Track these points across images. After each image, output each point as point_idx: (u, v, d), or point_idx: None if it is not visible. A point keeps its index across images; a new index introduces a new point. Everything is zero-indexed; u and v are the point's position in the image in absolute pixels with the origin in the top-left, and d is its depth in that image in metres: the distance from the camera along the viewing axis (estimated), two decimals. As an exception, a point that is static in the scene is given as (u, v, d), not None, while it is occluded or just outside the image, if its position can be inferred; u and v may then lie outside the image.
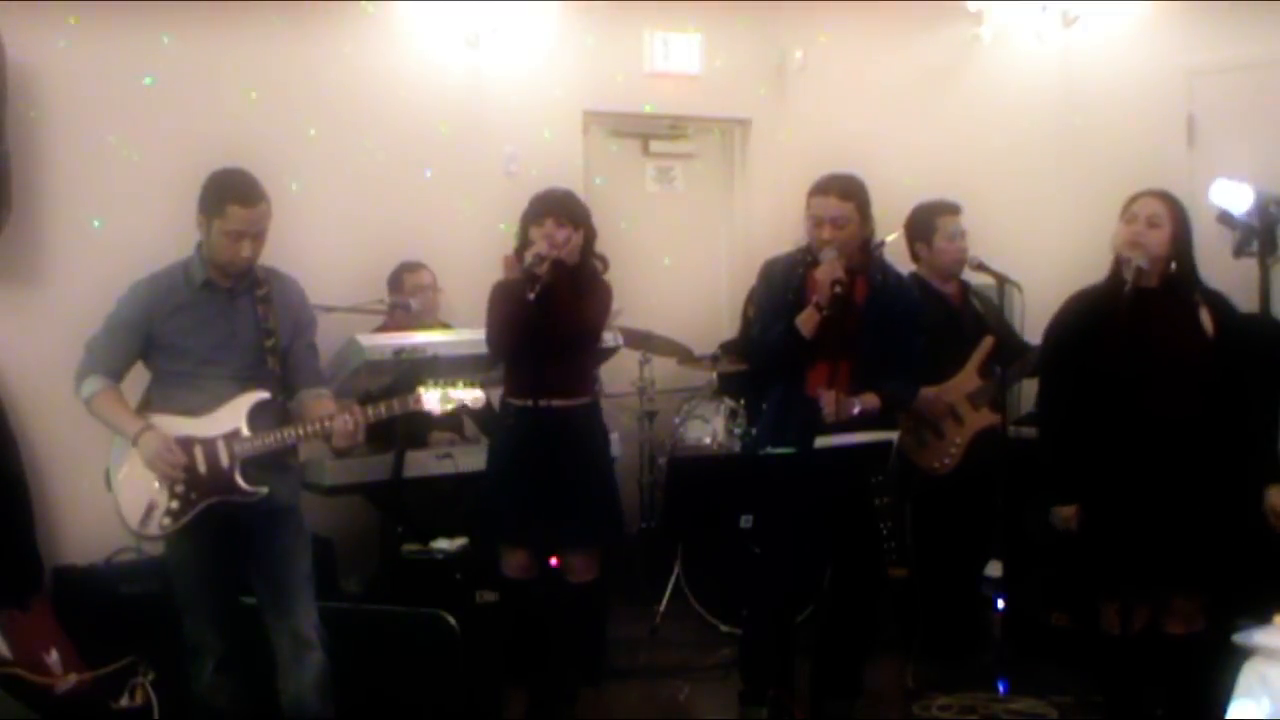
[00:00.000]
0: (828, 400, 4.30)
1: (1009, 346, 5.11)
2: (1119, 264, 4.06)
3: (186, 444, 3.83)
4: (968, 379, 5.05)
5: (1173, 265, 4.05)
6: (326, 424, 3.85)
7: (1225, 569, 4.01)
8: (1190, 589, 4.06)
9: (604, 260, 4.63)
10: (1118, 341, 4.00)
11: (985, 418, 5.02)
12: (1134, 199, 4.12)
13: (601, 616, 4.98)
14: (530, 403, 4.49)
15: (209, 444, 3.84)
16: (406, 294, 5.68)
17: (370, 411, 3.90)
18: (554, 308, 4.39)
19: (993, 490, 5.00)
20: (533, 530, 4.52)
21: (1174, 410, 4.00)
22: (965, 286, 5.25)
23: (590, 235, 4.55)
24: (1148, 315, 4.03)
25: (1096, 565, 4.16)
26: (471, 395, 4.01)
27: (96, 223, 5.38)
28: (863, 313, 4.40)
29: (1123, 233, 4.08)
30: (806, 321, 4.30)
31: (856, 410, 4.31)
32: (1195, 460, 3.99)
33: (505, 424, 4.61)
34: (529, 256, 4.37)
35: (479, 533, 4.95)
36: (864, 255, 4.47)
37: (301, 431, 3.89)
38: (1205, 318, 4.05)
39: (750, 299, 6.31)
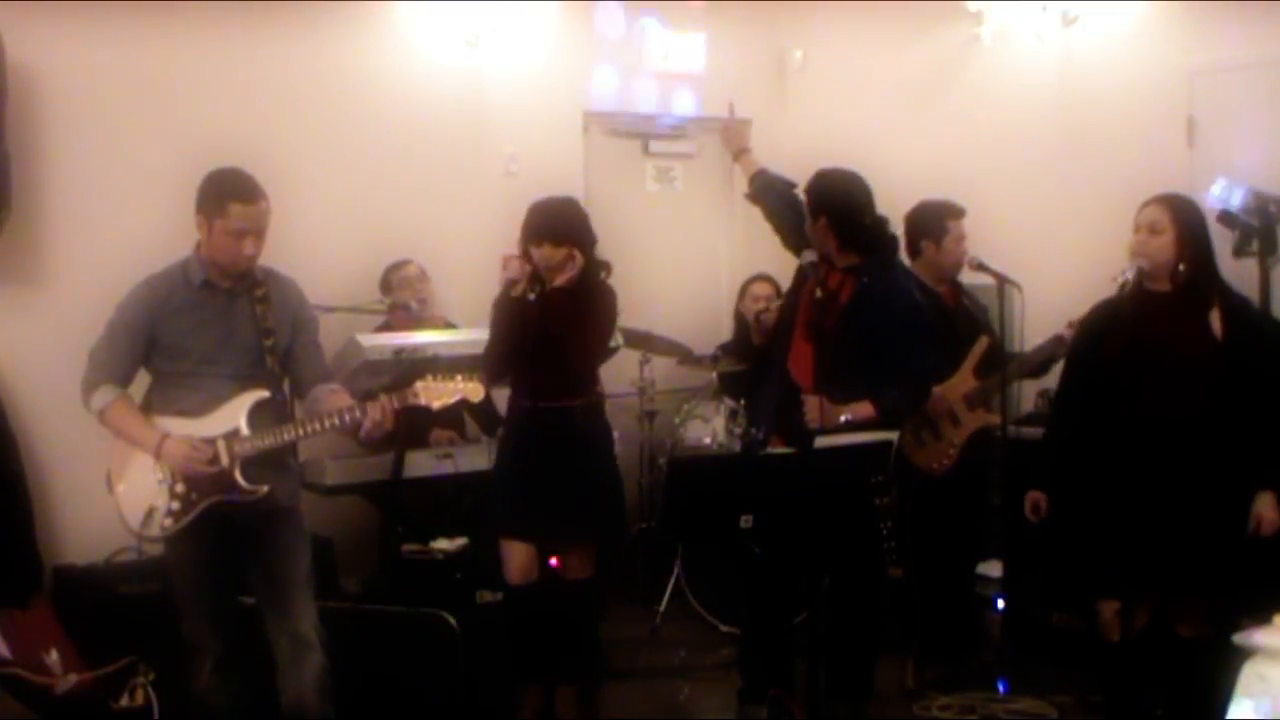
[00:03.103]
0: (811, 406, 4.29)
1: (996, 351, 5.10)
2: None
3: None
4: (963, 380, 5.04)
5: (1180, 267, 4.06)
6: (353, 415, 3.83)
7: (1227, 574, 4.00)
8: (1191, 594, 4.06)
9: (608, 266, 4.64)
10: (1118, 344, 4.04)
11: (980, 418, 5.02)
12: (1140, 208, 4.17)
13: (597, 615, 4.98)
14: (531, 404, 4.56)
15: (209, 444, 3.83)
16: (396, 292, 5.69)
17: (395, 400, 3.88)
18: (550, 322, 4.44)
19: (986, 490, 5.02)
20: (534, 525, 4.54)
21: (1175, 412, 4.01)
22: (958, 287, 5.24)
23: (589, 248, 4.56)
24: (1154, 318, 4.04)
25: (1094, 566, 4.17)
26: (473, 389, 3.99)
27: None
28: (845, 312, 4.37)
29: (1131, 242, 4.14)
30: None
31: (844, 419, 4.30)
32: (1197, 462, 3.99)
33: (511, 422, 4.66)
34: (504, 282, 4.48)
35: (483, 531, 4.95)
36: (847, 255, 4.44)
37: (301, 430, 3.89)
38: (1215, 319, 4.04)
39: (741, 298, 6.35)
